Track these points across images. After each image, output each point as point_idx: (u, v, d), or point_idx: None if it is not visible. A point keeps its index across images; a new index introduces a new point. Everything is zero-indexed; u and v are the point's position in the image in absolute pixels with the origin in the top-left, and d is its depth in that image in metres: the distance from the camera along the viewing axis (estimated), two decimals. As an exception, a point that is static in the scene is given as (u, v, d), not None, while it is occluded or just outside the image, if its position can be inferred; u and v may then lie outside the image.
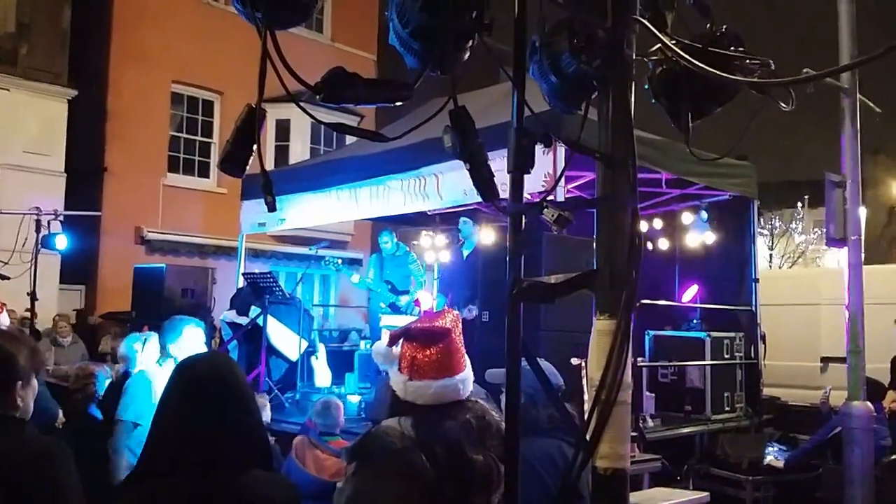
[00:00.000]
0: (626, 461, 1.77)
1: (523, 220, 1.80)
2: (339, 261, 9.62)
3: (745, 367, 8.23)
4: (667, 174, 7.87)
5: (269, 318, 8.41)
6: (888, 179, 31.28)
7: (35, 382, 2.50)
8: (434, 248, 11.31)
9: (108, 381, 5.66)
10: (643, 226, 8.53)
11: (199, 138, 15.98)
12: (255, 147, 1.54)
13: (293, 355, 8.87)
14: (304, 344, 9.01)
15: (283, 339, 8.81)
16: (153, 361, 4.79)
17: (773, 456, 7.42)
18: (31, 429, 2.42)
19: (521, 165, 1.77)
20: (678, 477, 6.77)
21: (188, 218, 15.03)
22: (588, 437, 1.71)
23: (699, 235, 9.20)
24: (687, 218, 9.32)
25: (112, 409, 5.22)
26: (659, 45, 1.84)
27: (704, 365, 7.80)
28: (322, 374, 8.85)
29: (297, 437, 4.85)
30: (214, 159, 15.71)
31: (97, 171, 14.39)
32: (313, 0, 1.55)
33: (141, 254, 14.33)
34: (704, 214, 8.96)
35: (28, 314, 8.01)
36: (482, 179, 1.75)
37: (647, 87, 2.03)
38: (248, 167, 1.57)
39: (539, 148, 1.79)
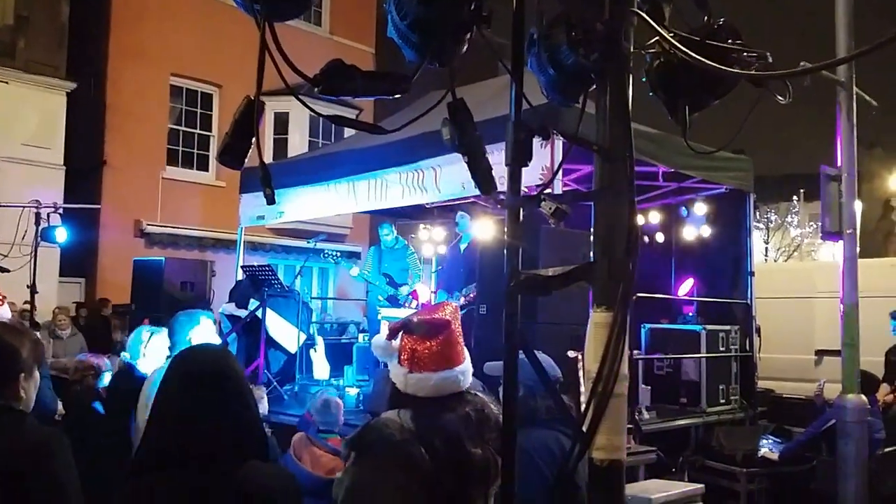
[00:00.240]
0: (623, 453, 1.78)
1: (521, 213, 1.81)
2: (338, 254, 9.62)
3: (740, 359, 8.25)
4: (664, 167, 7.89)
5: (268, 310, 8.42)
6: (884, 173, 31.31)
7: (37, 375, 2.52)
8: (432, 241, 11.32)
9: (108, 374, 5.67)
10: (640, 219, 8.56)
11: (197, 131, 15.97)
12: (253, 140, 1.55)
13: (292, 348, 8.88)
14: (303, 336, 9.02)
15: (282, 331, 8.82)
16: (164, 359, 4.77)
17: (768, 448, 7.46)
18: (31, 421, 2.43)
19: (518, 158, 1.78)
20: (673, 469, 6.80)
21: (187, 211, 15.03)
22: (584, 428, 1.73)
23: (695, 229, 9.23)
24: (684, 211, 9.34)
25: (114, 401, 5.23)
26: (657, 37, 1.85)
27: (700, 357, 7.83)
28: (320, 367, 8.86)
29: (295, 435, 4.87)
30: (213, 152, 15.71)
31: (96, 164, 14.39)
32: (312, -7, 1.55)
33: (140, 247, 14.34)
34: (685, 211, 9.00)
35: (27, 306, 8.01)
36: (480, 172, 1.76)
37: (644, 80, 2.04)
38: (246, 160, 1.58)
39: (537, 141, 1.80)
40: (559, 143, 5.47)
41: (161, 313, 7.85)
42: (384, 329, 8.55)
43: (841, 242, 6.31)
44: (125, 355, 5.28)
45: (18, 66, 12.97)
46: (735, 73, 1.89)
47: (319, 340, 9.39)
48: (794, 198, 29.46)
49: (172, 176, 15.31)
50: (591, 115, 1.87)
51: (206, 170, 15.92)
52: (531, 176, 5.40)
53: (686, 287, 9.44)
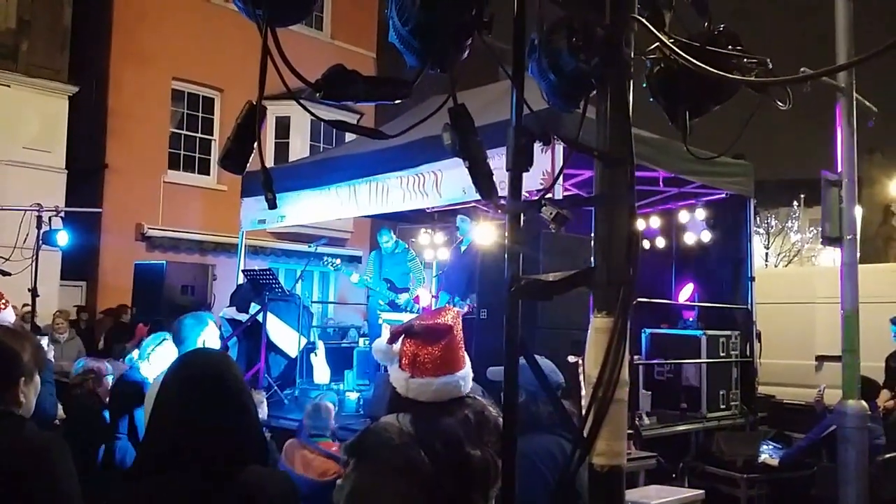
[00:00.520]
0: (623, 458, 1.78)
1: (522, 218, 1.81)
2: (338, 260, 9.62)
3: (740, 365, 8.25)
4: (664, 173, 7.89)
5: (269, 314, 8.42)
6: (884, 178, 31.32)
7: (38, 380, 2.51)
8: (433, 245, 11.33)
9: (111, 378, 5.67)
10: (640, 224, 8.56)
11: (199, 135, 15.98)
12: (255, 144, 1.55)
13: (292, 352, 8.88)
14: (304, 341, 9.02)
15: (283, 335, 8.82)
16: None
17: (768, 454, 7.45)
18: (30, 425, 2.43)
19: (519, 163, 1.78)
20: (674, 474, 6.79)
21: (188, 215, 15.03)
22: (585, 434, 1.73)
23: (696, 234, 9.23)
24: (684, 216, 9.35)
25: (113, 404, 5.22)
26: (657, 43, 1.85)
27: (700, 363, 7.82)
28: (321, 371, 8.86)
29: (288, 441, 4.87)
30: (215, 156, 15.72)
31: (98, 167, 14.40)
32: (313, -3, 1.56)
33: (141, 250, 14.34)
34: (702, 213, 9.01)
35: (28, 310, 8.02)
36: (481, 177, 1.77)
37: (644, 85, 2.05)
38: (248, 164, 1.59)
39: (537, 146, 1.81)
40: (560, 148, 5.47)
41: (162, 317, 7.85)
42: (385, 333, 8.57)
43: (841, 248, 6.30)
44: (132, 356, 5.28)
45: (20, 70, 12.99)
46: (735, 80, 1.90)
47: (320, 345, 9.38)
48: (795, 203, 29.47)
49: (174, 180, 15.32)
50: (592, 120, 1.87)
51: (208, 174, 15.93)
52: (532, 181, 5.40)
53: (685, 293, 9.44)
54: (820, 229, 6.51)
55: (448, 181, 7.19)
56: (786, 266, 28.48)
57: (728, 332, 8.21)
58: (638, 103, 1.87)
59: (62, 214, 7.99)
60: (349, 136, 12.97)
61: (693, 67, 1.65)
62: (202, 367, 2.03)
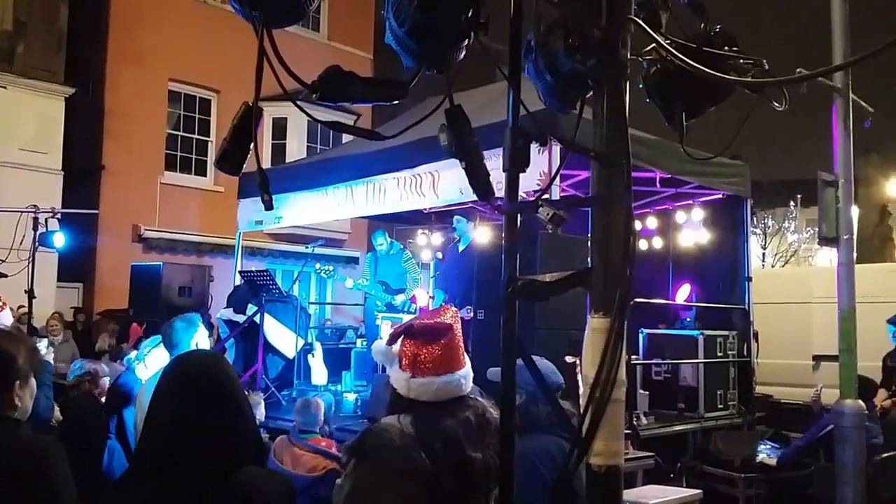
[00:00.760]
0: (620, 458, 1.78)
1: (518, 219, 1.81)
2: (330, 268, 9.62)
3: (737, 365, 8.26)
4: (661, 173, 7.90)
5: (266, 315, 8.41)
6: (880, 178, 31.38)
7: (33, 382, 2.50)
8: (430, 246, 11.33)
9: (107, 380, 5.66)
10: (637, 224, 8.57)
11: (196, 136, 15.98)
12: (251, 145, 1.55)
13: (290, 353, 8.87)
14: (301, 342, 9.01)
15: (280, 336, 8.81)
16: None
17: (766, 454, 7.46)
18: (26, 428, 2.42)
19: (516, 164, 1.78)
20: (671, 474, 6.80)
21: (185, 216, 15.03)
22: (582, 434, 1.73)
23: (693, 234, 9.24)
24: (681, 217, 9.36)
25: (108, 404, 5.22)
26: (653, 44, 1.86)
27: (698, 363, 7.83)
28: (319, 372, 8.85)
29: (277, 438, 4.87)
30: (212, 158, 15.71)
31: (94, 169, 14.38)
32: (309, -1, 1.56)
33: (138, 252, 14.34)
34: (699, 214, 9.01)
35: (24, 312, 7.99)
36: (478, 178, 1.77)
37: (641, 86, 2.05)
38: (244, 165, 1.59)
39: (534, 147, 1.81)
40: (557, 148, 5.47)
41: (158, 319, 7.83)
42: (385, 332, 8.56)
43: (838, 248, 6.31)
44: (129, 358, 5.28)
45: (17, 71, 12.98)
46: (731, 80, 1.90)
47: (318, 346, 9.38)
48: (791, 203, 29.49)
49: (171, 181, 15.32)
50: (589, 121, 1.88)
51: (205, 175, 15.92)
52: (529, 181, 5.41)
53: (682, 294, 9.45)
54: (817, 229, 6.52)
55: (445, 182, 7.20)
56: (783, 266, 28.51)
57: (725, 333, 8.22)
58: (634, 104, 1.88)
59: (59, 216, 7.96)
60: (346, 138, 12.98)
61: (689, 68, 1.65)
62: (197, 368, 2.03)
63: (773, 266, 28.43)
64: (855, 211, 6.47)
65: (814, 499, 6.86)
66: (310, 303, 15.22)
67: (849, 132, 6.08)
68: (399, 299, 9.06)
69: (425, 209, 9.97)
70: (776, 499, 7.20)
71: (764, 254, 29.23)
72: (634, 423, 6.67)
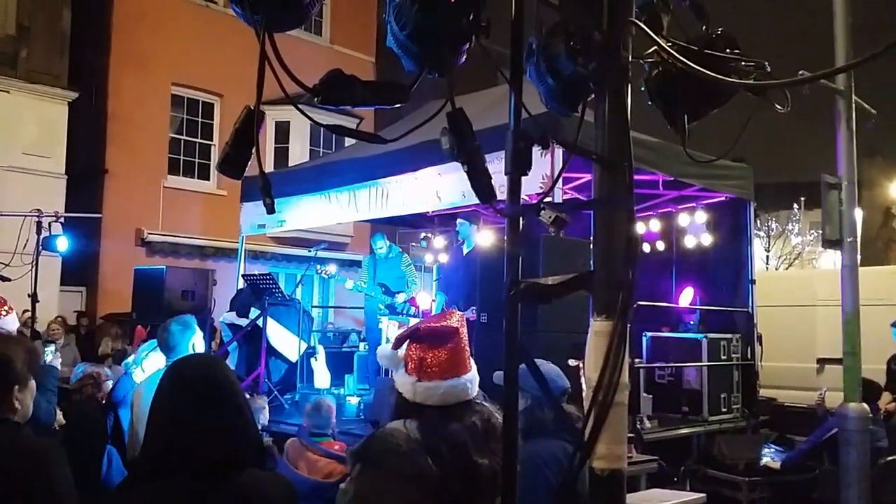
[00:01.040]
0: (623, 462, 1.78)
1: (521, 222, 1.81)
2: (330, 267, 9.64)
3: (741, 368, 8.24)
4: (663, 176, 7.89)
5: (269, 319, 8.41)
6: (884, 181, 31.34)
7: (33, 384, 2.50)
8: (433, 249, 11.33)
9: (110, 384, 5.67)
10: (640, 227, 8.57)
11: (199, 140, 16.01)
12: (254, 149, 1.55)
13: (293, 357, 8.87)
14: (304, 345, 9.01)
15: (283, 340, 8.82)
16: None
17: (770, 457, 7.43)
18: (26, 432, 2.42)
19: (518, 167, 1.78)
20: (675, 478, 6.78)
21: (188, 220, 15.05)
22: (585, 437, 1.72)
23: (696, 237, 9.23)
24: (684, 219, 9.34)
25: (108, 407, 5.22)
26: (655, 47, 1.85)
27: (701, 366, 7.81)
28: (321, 376, 8.85)
29: (289, 440, 4.86)
30: (214, 161, 15.72)
31: (98, 173, 14.41)
32: (312, 3, 1.56)
33: (141, 255, 14.36)
34: (702, 216, 9.00)
35: (28, 316, 8.00)
36: (480, 181, 1.76)
37: (643, 88, 2.04)
38: (247, 169, 1.59)
39: (536, 150, 1.80)
40: (559, 151, 5.48)
41: (161, 322, 7.83)
42: (390, 333, 8.56)
43: (841, 250, 6.30)
44: (128, 361, 5.28)
45: (20, 76, 13.01)
46: (733, 83, 1.90)
47: (320, 349, 9.38)
48: (795, 206, 29.46)
49: (173, 185, 15.34)
50: (591, 123, 1.87)
51: (207, 179, 15.95)
52: (531, 185, 5.40)
53: (685, 297, 9.44)
54: (820, 232, 6.51)
55: (447, 185, 7.20)
56: (786, 269, 28.47)
57: (729, 335, 8.20)
58: (636, 107, 1.87)
59: (62, 220, 7.97)
60: (348, 141, 13.01)
61: (691, 71, 1.65)
62: (196, 370, 2.03)
63: (776, 269, 28.38)
64: (859, 213, 6.45)
65: (818, 502, 6.84)
66: (313, 306, 15.23)
67: (852, 134, 6.07)
68: (399, 298, 9.07)
69: (428, 212, 9.97)
70: (780, 502, 7.17)
71: (767, 256, 29.20)
72: (638, 426, 6.66)
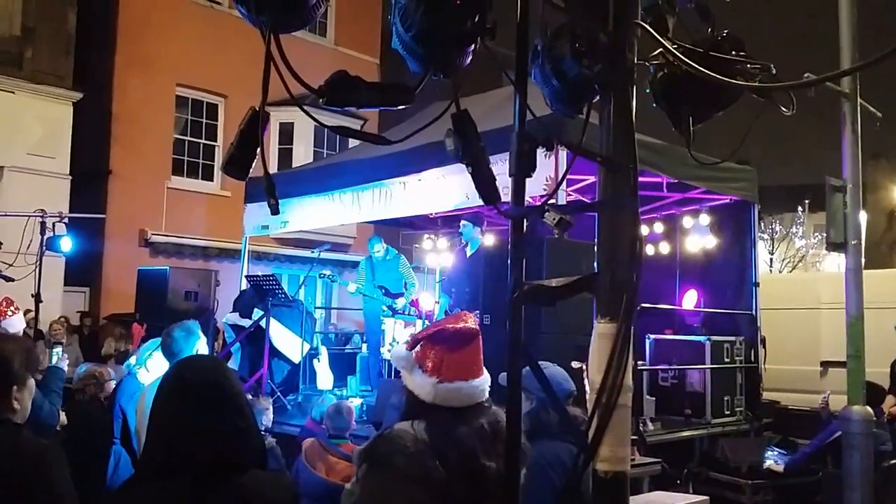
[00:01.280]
0: (627, 464, 1.78)
1: (525, 224, 1.81)
2: (328, 272, 9.67)
3: (745, 370, 8.22)
4: (667, 178, 7.88)
5: (272, 320, 8.41)
6: (888, 184, 31.25)
7: (31, 383, 2.50)
8: (436, 250, 11.32)
9: (113, 384, 5.67)
10: (644, 230, 8.57)
11: (203, 141, 16.02)
12: (258, 150, 1.55)
13: (295, 358, 8.88)
14: (307, 346, 9.02)
15: (286, 341, 8.82)
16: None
17: (773, 460, 7.42)
18: (26, 433, 2.42)
19: (522, 169, 1.78)
20: (678, 481, 6.77)
21: (192, 221, 15.06)
22: (589, 440, 1.72)
23: (700, 239, 9.21)
24: (688, 222, 9.33)
25: (112, 412, 5.22)
26: (660, 49, 1.85)
27: (704, 369, 7.80)
28: (324, 377, 8.86)
29: (306, 441, 4.86)
30: (218, 162, 15.75)
31: (102, 173, 14.43)
32: (317, 4, 1.56)
33: (145, 256, 14.37)
34: (706, 219, 8.99)
35: (31, 316, 8.02)
36: (484, 183, 1.76)
37: (648, 91, 2.04)
38: (251, 170, 1.59)
39: (540, 151, 1.80)
40: (563, 153, 5.47)
41: (164, 323, 7.84)
42: (397, 333, 8.53)
43: (846, 253, 6.29)
44: (130, 362, 5.28)
45: (25, 76, 13.03)
46: (739, 85, 1.89)
47: (323, 350, 9.38)
48: (799, 208, 29.40)
49: (177, 186, 15.36)
50: (595, 125, 1.87)
51: (211, 180, 15.96)
52: (535, 186, 5.41)
53: (688, 300, 9.42)
54: (824, 235, 6.50)
55: (451, 187, 7.19)
56: (790, 272, 28.41)
57: (732, 338, 8.19)
58: (641, 109, 1.87)
59: (66, 220, 7.97)
60: (352, 142, 13.02)
61: (696, 73, 1.65)
62: (197, 372, 2.03)
63: (780, 271, 28.33)
64: (863, 216, 6.45)
65: (821, 505, 6.83)
66: (315, 307, 15.24)
67: (857, 137, 6.06)
68: (400, 303, 9.07)
69: (431, 214, 9.96)
70: (783, 505, 7.16)
71: (771, 259, 29.15)
72: (641, 428, 6.64)
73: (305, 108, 1.66)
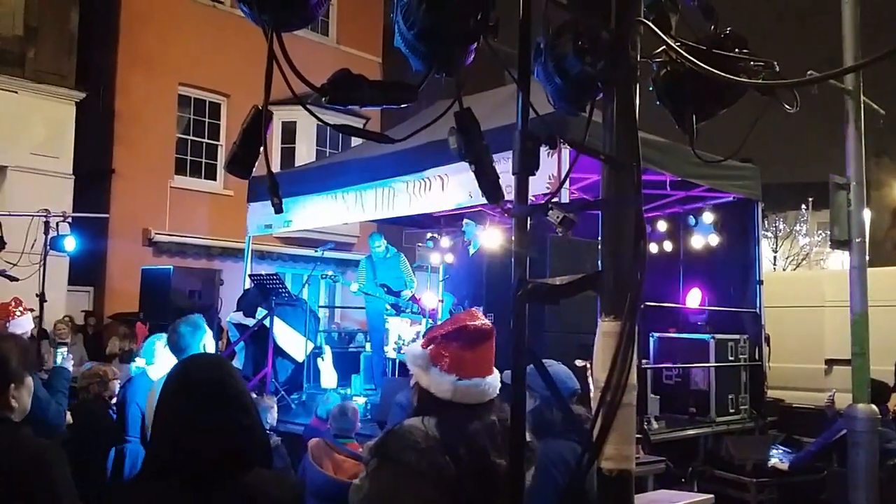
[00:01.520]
0: (632, 463, 1.78)
1: (528, 222, 1.81)
2: (329, 273, 9.68)
3: (749, 369, 8.21)
4: (671, 176, 7.87)
5: (276, 319, 8.42)
6: (892, 181, 31.20)
7: (29, 381, 2.50)
8: (439, 249, 11.32)
9: (117, 382, 5.68)
10: (647, 228, 8.54)
11: (205, 140, 16.04)
12: (261, 149, 1.55)
13: (299, 357, 8.88)
14: (311, 345, 9.02)
15: (290, 340, 8.82)
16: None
17: (778, 458, 7.40)
18: (25, 431, 2.42)
19: (525, 167, 1.78)
20: (682, 479, 6.76)
21: (195, 220, 15.08)
22: (593, 438, 1.72)
23: (703, 237, 9.20)
24: (691, 220, 9.32)
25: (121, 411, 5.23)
26: (663, 46, 1.85)
27: (709, 367, 7.79)
28: (328, 376, 8.86)
29: (312, 440, 4.87)
30: (221, 161, 15.76)
31: (105, 173, 14.45)
32: (319, 3, 1.56)
33: (148, 255, 14.40)
34: (709, 217, 8.97)
35: (36, 315, 8.03)
36: (487, 181, 1.76)
37: (651, 88, 2.04)
38: (254, 169, 1.59)
39: (544, 150, 1.80)
40: (566, 152, 5.47)
41: (168, 322, 7.86)
42: (403, 330, 8.51)
43: (850, 251, 6.27)
44: (139, 362, 5.28)
45: (28, 76, 13.04)
46: (742, 82, 1.89)
47: (327, 349, 9.39)
48: (803, 206, 29.35)
49: (180, 185, 15.38)
50: (599, 123, 1.87)
51: (214, 179, 15.98)
52: (538, 185, 5.40)
53: (692, 298, 9.41)
54: (828, 232, 6.49)
55: (454, 185, 7.19)
56: (794, 269, 28.38)
57: (737, 336, 8.18)
58: (644, 106, 1.87)
59: (69, 220, 7.98)
60: (355, 141, 13.02)
61: (699, 70, 1.64)
62: (201, 371, 2.03)
63: (784, 269, 28.29)
64: (867, 214, 6.43)
65: (826, 503, 6.81)
66: (319, 306, 15.25)
67: (860, 134, 6.05)
68: (406, 295, 9.07)
69: (435, 213, 9.96)
70: (788, 503, 7.15)
71: (775, 257, 29.12)
72: (645, 427, 6.64)
73: (308, 106, 1.66)
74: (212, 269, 12.16)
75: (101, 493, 4.47)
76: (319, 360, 9.04)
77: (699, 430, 7.48)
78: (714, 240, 9.14)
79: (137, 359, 5.32)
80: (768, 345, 8.79)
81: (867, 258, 6.23)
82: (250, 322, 8.68)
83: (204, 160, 16.01)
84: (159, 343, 5.11)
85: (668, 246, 9.78)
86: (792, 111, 2.02)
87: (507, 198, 1.82)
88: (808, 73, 2.25)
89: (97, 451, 5.02)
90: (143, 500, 1.89)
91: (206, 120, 16.08)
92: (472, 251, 8.39)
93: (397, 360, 8.40)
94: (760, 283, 8.73)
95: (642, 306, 1.78)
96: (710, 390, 7.74)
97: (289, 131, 16.57)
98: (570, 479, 2.64)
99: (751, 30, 2.05)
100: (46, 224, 7.60)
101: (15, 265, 7.14)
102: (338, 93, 1.58)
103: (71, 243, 7.89)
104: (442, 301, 8.98)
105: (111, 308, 13.72)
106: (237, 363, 8.65)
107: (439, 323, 3.06)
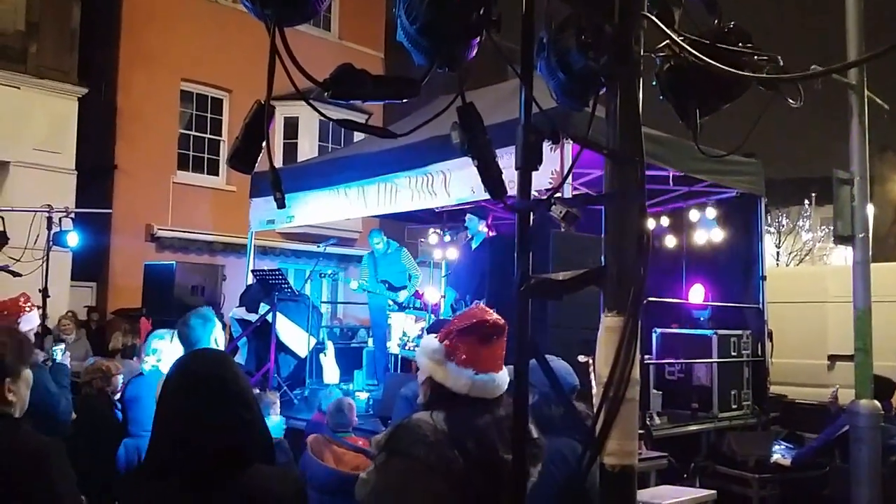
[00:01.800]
0: (634, 458, 1.77)
1: (531, 217, 1.80)
2: (331, 272, 9.71)
3: (752, 364, 8.21)
4: (674, 171, 7.85)
5: (279, 314, 8.43)
6: (895, 177, 31.13)
7: (27, 374, 2.48)
8: (442, 244, 11.32)
9: (120, 378, 5.68)
10: (650, 223, 8.52)
11: (208, 136, 16.04)
12: (264, 144, 1.55)
13: (302, 352, 8.89)
14: (313, 341, 9.03)
15: (292, 335, 8.84)
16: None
17: (780, 454, 7.40)
18: (25, 427, 2.41)
19: (529, 162, 1.77)
20: (685, 475, 6.76)
21: (198, 215, 15.09)
22: (596, 433, 1.72)
23: (706, 233, 9.19)
24: (694, 215, 9.31)
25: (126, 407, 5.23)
26: (667, 41, 1.84)
27: (711, 362, 7.79)
28: (330, 371, 8.87)
29: (311, 435, 4.88)
30: (224, 157, 15.77)
31: (107, 168, 14.46)
32: (321, -3, 1.55)
33: (151, 251, 14.41)
34: (712, 212, 8.96)
35: (39, 311, 8.05)
36: (490, 176, 1.76)
37: (654, 83, 2.03)
38: (257, 164, 1.58)
39: (547, 145, 1.80)
40: (569, 146, 5.46)
41: (172, 318, 7.87)
42: (404, 328, 8.50)
43: (853, 246, 6.26)
44: (148, 359, 5.29)
45: (30, 72, 13.04)
46: (746, 77, 1.88)
47: (329, 345, 9.40)
48: (806, 201, 29.34)
49: (183, 180, 15.39)
50: (602, 118, 1.86)
51: (217, 174, 15.98)
52: (541, 180, 5.39)
53: (695, 293, 9.40)
54: (832, 228, 6.48)
55: (457, 180, 7.18)
56: (797, 265, 28.35)
57: (739, 332, 8.17)
58: (647, 101, 1.86)
59: (72, 215, 8.00)
60: (357, 136, 13.00)
61: (703, 65, 1.64)
62: (203, 366, 2.03)
63: (787, 265, 28.27)
64: (870, 209, 6.41)
65: (829, 499, 6.80)
66: (321, 302, 15.27)
67: (864, 129, 6.03)
68: (403, 295, 9.08)
69: (437, 208, 9.96)
70: (790, 499, 7.14)
71: (778, 252, 29.10)
72: (648, 422, 6.64)
73: (311, 101, 1.65)
74: (214, 264, 12.14)
75: (103, 488, 4.47)
76: (322, 355, 9.06)
77: (702, 425, 7.48)
78: (717, 235, 9.13)
79: (147, 357, 5.32)
80: (771, 340, 8.78)
81: (870, 253, 6.22)
82: (253, 317, 8.70)
83: (206, 156, 16.02)
84: (166, 338, 5.12)
85: (670, 241, 9.78)
86: (796, 106, 2.01)
87: (509, 193, 1.82)
88: (812, 67, 2.24)
89: (99, 446, 5.02)
90: (142, 497, 1.90)
91: (209, 115, 16.08)
92: (474, 246, 8.39)
93: (399, 356, 8.42)
94: (763, 278, 8.72)
95: (645, 302, 1.77)
96: (712, 386, 7.74)
97: (291, 126, 16.57)
98: (571, 475, 2.64)
99: (753, 27, 2.04)
100: (49, 220, 7.62)
101: (18, 261, 7.16)
102: (340, 88, 1.58)
103: (74, 239, 7.91)
104: (444, 296, 8.98)
105: (114, 304, 13.74)
106: (240, 359, 8.67)
107: (453, 318, 3.07)
